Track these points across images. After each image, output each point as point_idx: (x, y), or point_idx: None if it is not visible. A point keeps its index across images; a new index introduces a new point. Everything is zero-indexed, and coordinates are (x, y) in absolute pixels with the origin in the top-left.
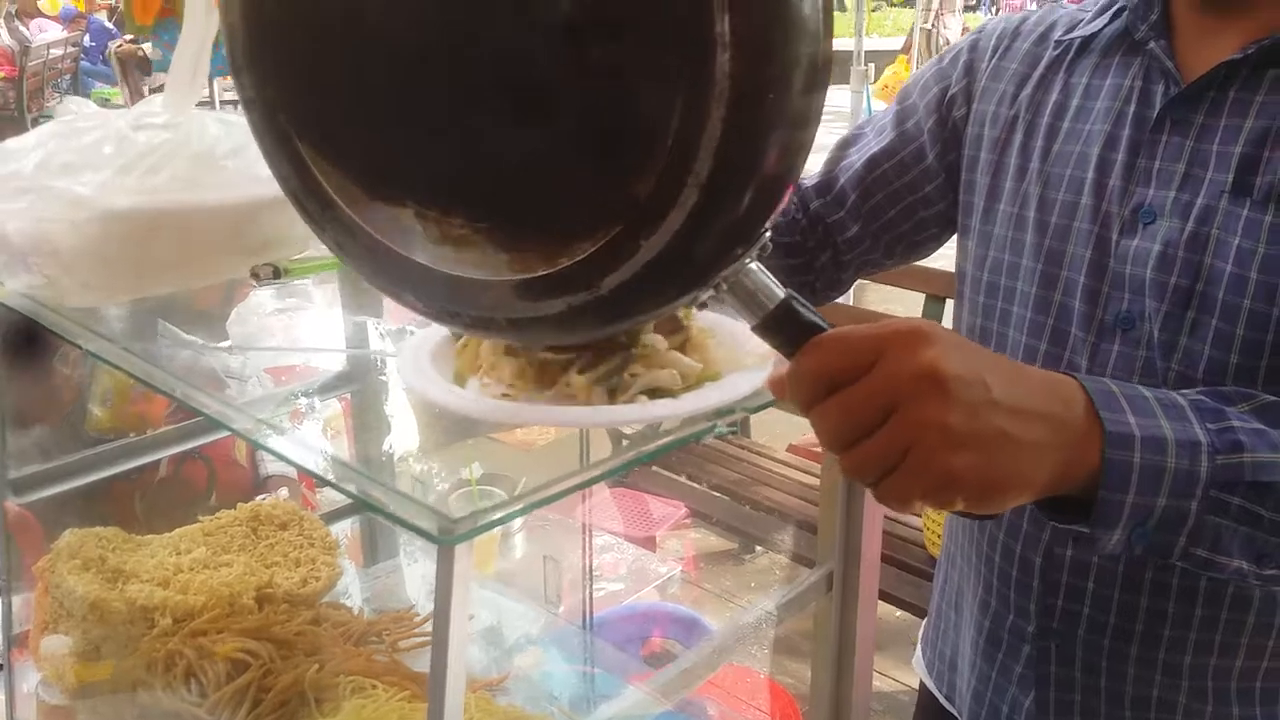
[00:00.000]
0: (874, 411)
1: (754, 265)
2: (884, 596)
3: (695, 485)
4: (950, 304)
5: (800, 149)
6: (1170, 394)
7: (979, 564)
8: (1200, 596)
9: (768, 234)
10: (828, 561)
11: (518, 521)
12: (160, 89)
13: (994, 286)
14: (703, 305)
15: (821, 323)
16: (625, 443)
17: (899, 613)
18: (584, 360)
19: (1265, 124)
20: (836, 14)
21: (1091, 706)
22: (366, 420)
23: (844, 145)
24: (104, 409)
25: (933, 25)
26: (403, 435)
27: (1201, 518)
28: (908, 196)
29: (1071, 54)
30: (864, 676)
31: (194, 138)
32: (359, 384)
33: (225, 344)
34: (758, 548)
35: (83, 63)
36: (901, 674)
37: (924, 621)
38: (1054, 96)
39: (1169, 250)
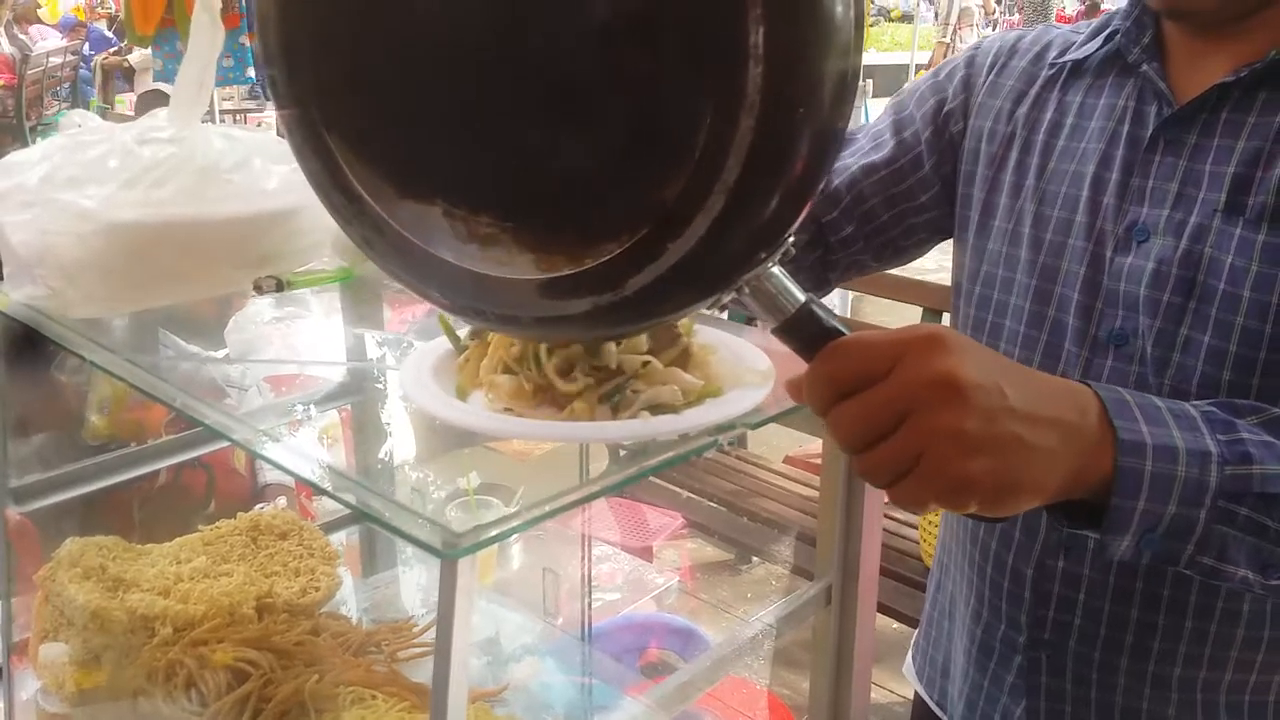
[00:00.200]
0: (890, 415)
1: (776, 269)
2: (880, 608)
3: (692, 496)
4: (947, 318)
5: (826, 161)
6: (1182, 404)
7: (971, 574)
8: (1190, 610)
9: (790, 240)
10: (826, 575)
11: None
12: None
13: (987, 300)
14: (724, 307)
15: (840, 327)
16: (623, 453)
17: (895, 624)
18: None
19: (1257, 145)
20: None
21: (1082, 717)
22: (366, 430)
23: None
24: (102, 417)
25: (950, 39)
26: (401, 445)
27: (1209, 526)
28: (902, 203)
29: (1065, 74)
30: (862, 690)
31: (199, 152)
32: (359, 395)
33: (224, 353)
34: (754, 558)
35: (82, 71)
36: (897, 685)
37: (916, 630)
38: (1049, 114)
39: (1163, 268)
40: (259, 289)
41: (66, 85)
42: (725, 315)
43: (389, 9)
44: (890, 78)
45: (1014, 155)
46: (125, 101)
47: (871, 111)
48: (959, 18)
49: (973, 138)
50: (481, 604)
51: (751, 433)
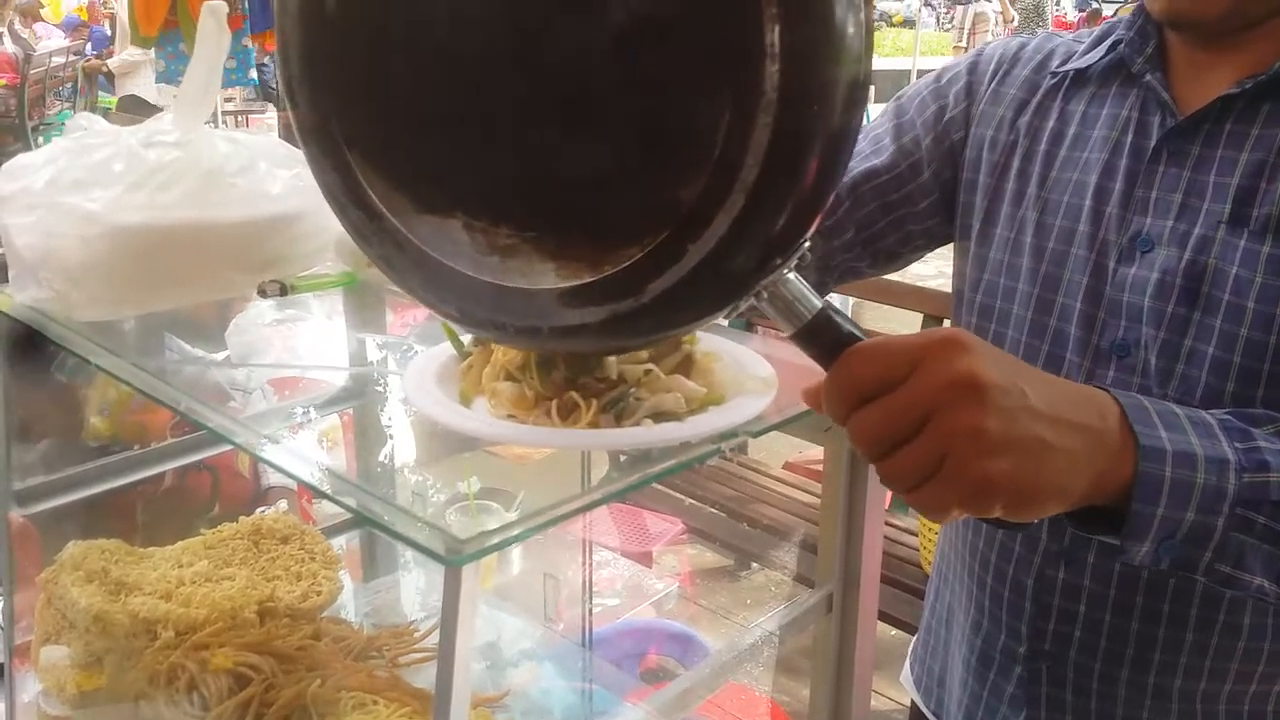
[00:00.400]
0: (911, 419)
1: (792, 275)
2: (879, 615)
3: (692, 502)
4: (948, 325)
5: (840, 160)
6: (1199, 412)
7: (970, 584)
8: (1191, 623)
9: (806, 244)
10: (828, 583)
11: None
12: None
13: (988, 309)
14: (741, 315)
15: (857, 332)
16: (624, 459)
17: (894, 631)
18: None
19: (1261, 156)
20: None
21: None
22: (367, 434)
23: None
24: (102, 418)
25: (966, 44)
26: (401, 448)
27: (1227, 534)
28: (900, 209)
29: (1068, 83)
30: (863, 698)
31: (204, 156)
32: (361, 399)
33: (228, 356)
34: (754, 564)
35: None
36: (896, 693)
37: (914, 638)
38: (1051, 123)
39: (1167, 278)
40: (263, 293)
41: (69, 85)
42: (726, 322)
43: (407, 25)
44: (891, 83)
45: (1016, 163)
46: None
47: (871, 116)
48: (974, 23)
49: (974, 146)
50: (482, 609)
51: (752, 439)
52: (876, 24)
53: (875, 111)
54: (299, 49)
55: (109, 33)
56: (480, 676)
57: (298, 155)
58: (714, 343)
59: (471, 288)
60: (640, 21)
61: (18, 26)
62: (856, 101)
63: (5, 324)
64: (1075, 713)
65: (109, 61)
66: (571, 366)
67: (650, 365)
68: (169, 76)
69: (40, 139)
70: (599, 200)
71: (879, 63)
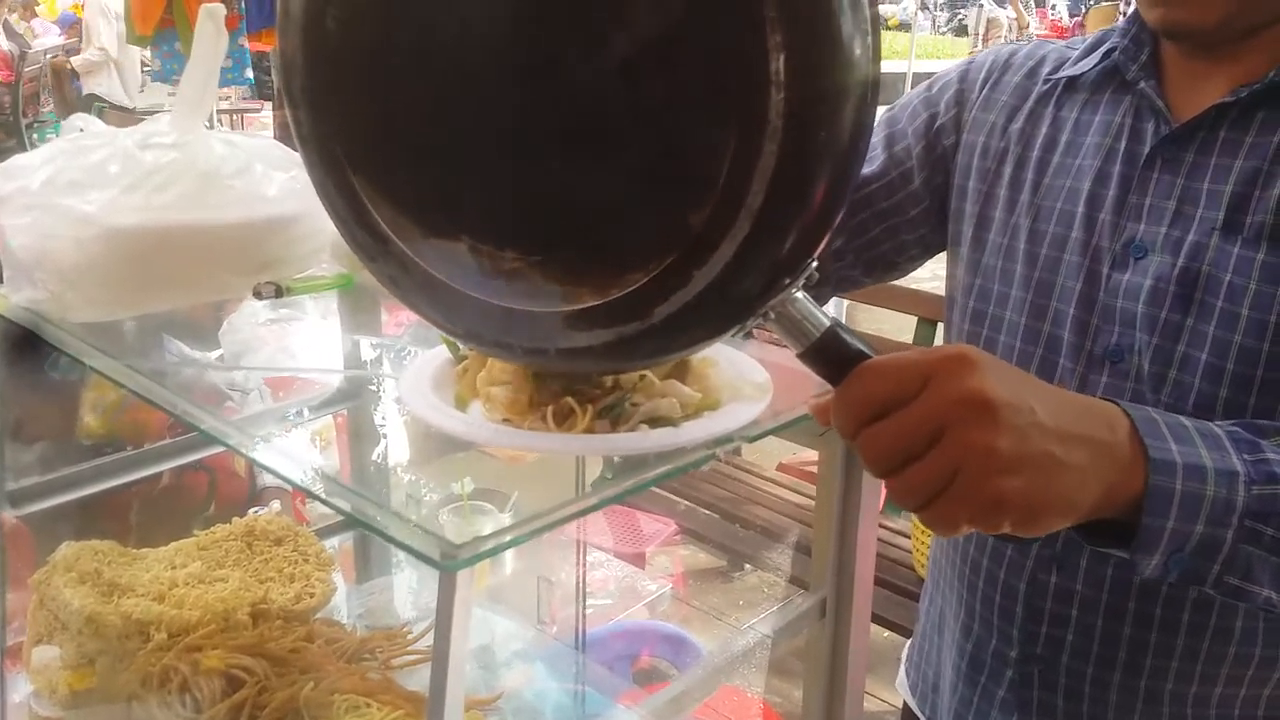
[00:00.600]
0: (922, 436)
1: (800, 295)
2: (872, 618)
3: (685, 503)
4: (942, 328)
5: (848, 183)
6: (1207, 424)
7: (961, 588)
8: (1183, 628)
9: (814, 264)
10: (821, 588)
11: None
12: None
13: (981, 315)
14: (749, 335)
15: (866, 350)
16: (618, 460)
17: (886, 633)
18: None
19: (1255, 164)
20: None
21: None
22: (361, 435)
23: None
24: (96, 416)
25: (980, 50)
26: (395, 449)
27: (1236, 546)
28: (893, 218)
29: (1060, 90)
30: (855, 702)
31: (200, 157)
32: (356, 400)
33: (219, 354)
34: (747, 565)
35: None
36: (888, 694)
37: (909, 642)
38: (1044, 130)
39: (1160, 285)
40: (258, 294)
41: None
42: None
43: (409, 51)
44: (888, 86)
45: (1008, 170)
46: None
47: None
48: (987, 29)
49: (965, 152)
50: (476, 611)
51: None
52: None
53: None
54: (302, 73)
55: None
56: (473, 678)
57: (294, 157)
58: (711, 349)
59: (478, 310)
60: (644, 50)
61: (13, 22)
62: (863, 125)
63: (1, 325)
64: (1066, 716)
65: (73, 59)
66: (565, 378)
67: (645, 371)
68: (165, 75)
69: (35, 136)
70: (604, 226)
71: None
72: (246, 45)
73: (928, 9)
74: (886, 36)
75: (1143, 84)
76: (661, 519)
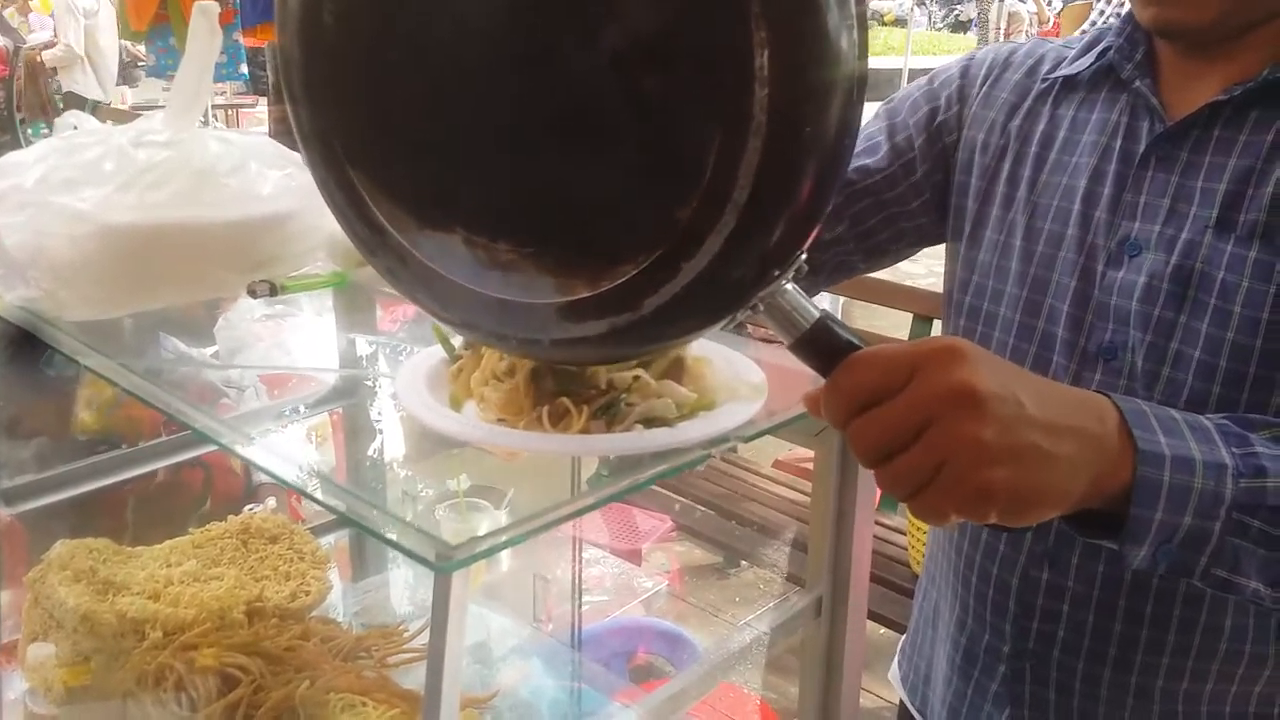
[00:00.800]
0: (909, 427)
1: (789, 286)
2: (869, 614)
3: (681, 499)
4: (938, 324)
5: (835, 177)
6: (1196, 416)
7: (955, 583)
8: (1173, 624)
9: (803, 256)
10: (817, 587)
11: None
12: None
13: (977, 311)
14: (739, 325)
15: (856, 341)
16: (614, 458)
17: (882, 630)
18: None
19: (1249, 163)
20: None
21: None
22: (357, 432)
23: None
24: (91, 412)
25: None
26: (391, 446)
27: (1224, 538)
28: (892, 208)
29: (1058, 88)
30: (851, 699)
31: (195, 155)
32: (352, 398)
33: (214, 350)
34: (743, 562)
35: None
36: (884, 691)
37: (903, 637)
38: (1041, 127)
39: (1154, 282)
40: (253, 293)
41: (57, 79)
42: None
43: (405, 44)
44: (883, 81)
45: (1006, 167)
46: (117, 95)
47: (863, 115)
48: (1008, 24)
49: (966, 148)
50: (471, 609)
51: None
52: (869, 22)
53: (867, 112)
54: (300, 68)
55: None
56: (469, 676)
57: (289, 155)
58: (705, 347)
59: (474, 301)
60: (632, 45)
61: (7, 16)
62: (850, 121)
63: None
64: (1058, 711)
65: (43, 54)
66: (560, 378)
67: (639, 371)
68: (160, 71)
69: (29, 130)
70: (594, 218)
71: (871, 62)
72: (241, 40)
73: (924, 4)
74: (882, 32)
75: (1138, 83)
76: (657, 515)
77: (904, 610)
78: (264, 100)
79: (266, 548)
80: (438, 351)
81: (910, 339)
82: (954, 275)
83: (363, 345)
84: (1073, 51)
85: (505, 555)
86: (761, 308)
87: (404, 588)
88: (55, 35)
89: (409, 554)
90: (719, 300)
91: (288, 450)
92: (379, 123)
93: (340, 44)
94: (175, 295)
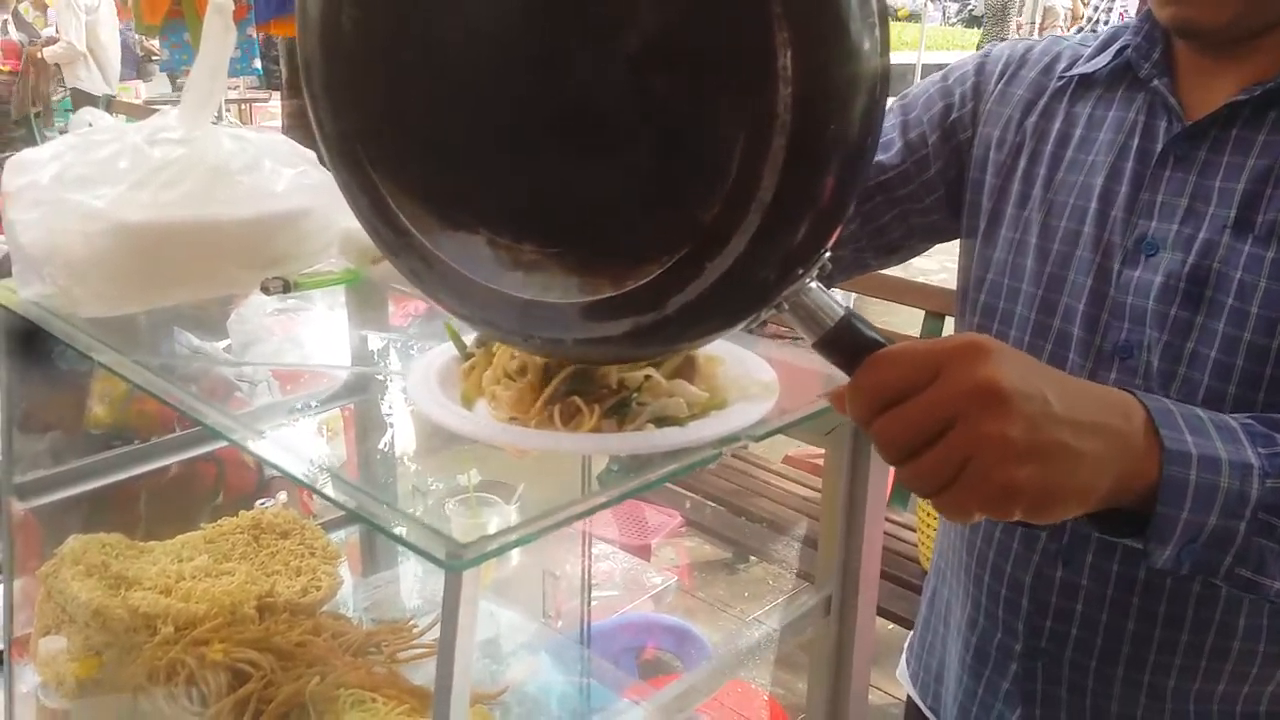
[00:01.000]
0: (934, 424)
1: (814, 285)
2: (878, 611)
3: (691, 495)
4: (949, 321)
5: (858, 175)
6: (1222, 416)
7: (968, 581)
8: (1187, 624)
9: (827, 255)
10: (827, 585)
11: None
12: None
13: (992, 309)
14: (763, 324)
15: (880, 339)
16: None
17: (891, 626)
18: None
19: (1267, 163)
20: None
21: None
22: (368, 428)
23: None
24: (104, 406)
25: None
26: (401, 441)
27: (1249, 539)
28: (906, 204)
29: (1074, 86)
30: (860, 697)
31: (209, 153)
32: (363, 394)
33: (227, 344)
34: (752, 558)
35: None
36: (892, 687)
37: (910, 633)
38: (1058, 125)
39: (1170, 282)
40: (266, 290)
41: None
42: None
43: (425, 49)
44: (896, 77)
45: (1022, 164)
46: (130, 90)
47: None
48: (1044, 18)
49: (981, 145)
50: (481, 605)
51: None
52: None
53: None
54: (321, 72)
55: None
56: (478, 671)
57: (303, 152)
58: (716, 346)
59: (498, 301)
60: (654, 45)
61: (22, 11)
62: (873, 118)
63: (9, 319)
64: (1070, 710)
65: (44, 51)
66: (572, 378)
67: (651, 371)
68: (174, 66)
69: (40, 125)
70: (618, 219)
71: None
72: (255, 35)
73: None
74: (896, 27)
75: (1155, 81)
76: (667, 511)
77: (912, 607)
78: (277, 95)
79: (278, 543)
80: (450, 349)
81: (922, 336)
82: (969, 273)
83: (375, 341)
84: (1089, 49)
85: (515, 552)
86: (786, 307)
87: (414, 582)
88: (57, 32)
89: (419, 552)
90: (743, 300)
91: (299, 446)
92: (400, 125)
93: (359, 47)
94: (189, 292)
